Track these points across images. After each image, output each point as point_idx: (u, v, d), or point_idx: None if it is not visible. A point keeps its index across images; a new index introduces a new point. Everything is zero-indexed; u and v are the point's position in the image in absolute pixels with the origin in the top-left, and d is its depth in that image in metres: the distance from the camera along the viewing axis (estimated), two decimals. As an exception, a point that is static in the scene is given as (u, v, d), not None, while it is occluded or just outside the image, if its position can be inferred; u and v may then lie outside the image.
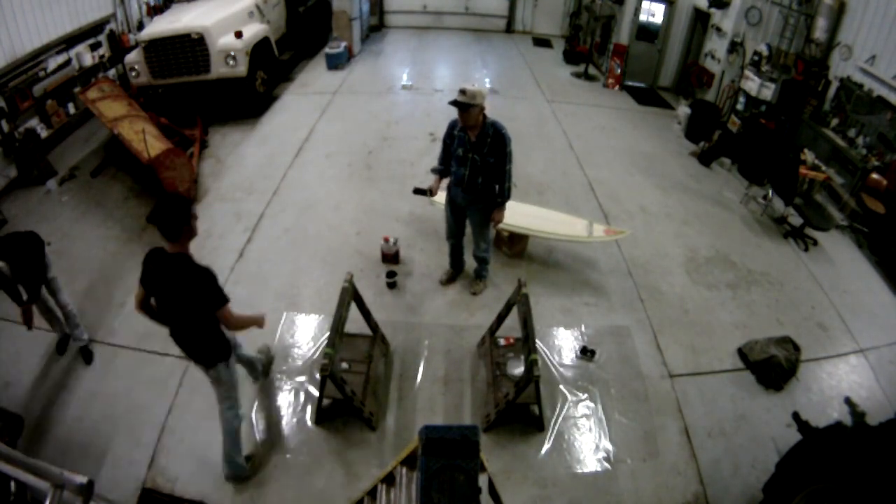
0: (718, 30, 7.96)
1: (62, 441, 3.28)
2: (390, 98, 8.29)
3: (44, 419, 3.39)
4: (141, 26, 7.63)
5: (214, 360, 2.79)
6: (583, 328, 4.27)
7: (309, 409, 3.56)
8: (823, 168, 5.85)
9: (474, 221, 4.05)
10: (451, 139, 3.72)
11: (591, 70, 9.87)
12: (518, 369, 3.59)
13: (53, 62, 6.30)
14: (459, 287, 4.58)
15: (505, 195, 3.78)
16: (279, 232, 5.17)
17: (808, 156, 5.90)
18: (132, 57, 6.74)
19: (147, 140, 4.97)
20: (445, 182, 4.04)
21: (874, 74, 5.71)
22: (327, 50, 9.21)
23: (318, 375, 3.47)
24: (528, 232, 4.70)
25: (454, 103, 3.47)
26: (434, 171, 4.00)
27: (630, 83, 9.49)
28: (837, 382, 4.04)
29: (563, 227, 4.73)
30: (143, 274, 2.67)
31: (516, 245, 4.95)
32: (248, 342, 4.00)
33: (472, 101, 3.40)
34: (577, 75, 9.82)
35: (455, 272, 4.62)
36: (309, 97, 8.15)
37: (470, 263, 4.58)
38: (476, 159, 3.62)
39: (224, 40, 6.63)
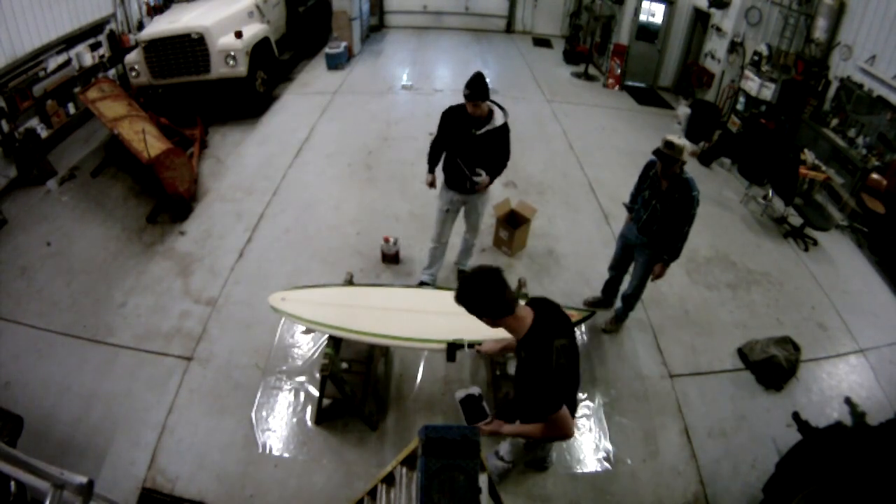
0: (718, 30, 7.96)
1: (62, 441, 3.28)
2: (390, 98, 8.29)
3: (44, 419, 3.38)
4: (141, 26, 7.62)
5: None
6: (583, 328, 4.27)
7: (309, 409, 3.56)
8: (823, 168, 5.84)
9: (637, 263, 3.89)
10: (645, 179, 3.61)
11: (591, 70, 9.86)
12: (518, 369, 3.59)
13: (53, 62, 6.29)
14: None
15: (673, 254, 3.61)
16: (279, 232, 5.17)
17: (808, 156, 5.90)
18: (132, 57, 6.74)
19: (147, 140, 4.97)
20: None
21: (874, 74, 5.71)
22: (327, 50, 9.21)
23: (318, 375, 3.48)
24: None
25: (657, 154, 3.31)
26: (625, 205, 3.92)
27: (630, 83, 9.48)
28: (837, 382, 4.04)
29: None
30: None
31: (516, 244, 4.96)
32: (247, 341, 4.01)
33: (678, 155, 3.22)
34: (577, 75, 9.81)
35: (603, 301, 4.41)
36: (309, 97, 8.15)
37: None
38: (657, 208, 3.48)
39: (224, 40, 6.63)
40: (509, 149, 3.79)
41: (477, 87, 3.37)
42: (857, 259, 5.49)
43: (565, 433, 2.10)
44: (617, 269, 4.17)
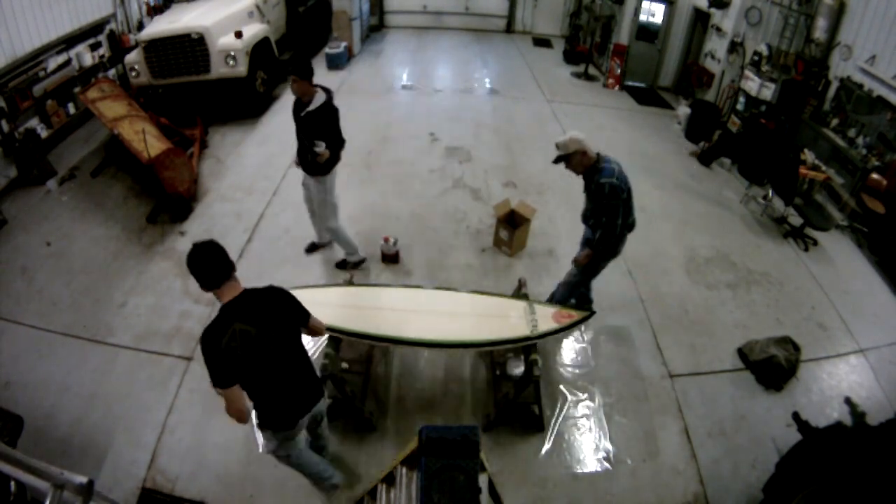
0: (718, 30, 7.96)
1: (62, 441, 3.28)
2: (390, 98, 8.29)
3: (44, 419, 3.39)
4: (141, 26, 7.63)
5: None
6: (583, 328, 4.27)
7: (309, 409, 3.56)
8: (823, 168, 5.84)
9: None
10: None
11: (591, 70, 9.86)
12: (518, 369, 3.60)
13: (53, 62, 6.29)
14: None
15: (597, 243, 3.59)
16: (279, 232, 5.17)
17: (808, 156, 5.90)
18: (132, 57, 6.74)
19: (147, 140, 4.97)
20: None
21: (874, 74, 5.71)
22: (327, 50, 9.21)
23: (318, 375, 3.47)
24: (449, 343, 3.21)
25: (555, 160, 3.44)
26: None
27: (630, 83, 9.48)
28: (837, 382, 4.04)
29: (496, 327, 3.26)
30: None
31: (516, 244, 4.96)
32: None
33: (565, 151, 3.33)
34: (577, 75, 9.82)
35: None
36: (309, 97, 8.13)
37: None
38: (586, 200, 3.61)
39: (224, 40, 6.63)
40: (338, 129, 4.00)
41: (294, 62, 3.74)
42: (857, 259, 5.49)
43: (233, 415, 2.24)
44: None
